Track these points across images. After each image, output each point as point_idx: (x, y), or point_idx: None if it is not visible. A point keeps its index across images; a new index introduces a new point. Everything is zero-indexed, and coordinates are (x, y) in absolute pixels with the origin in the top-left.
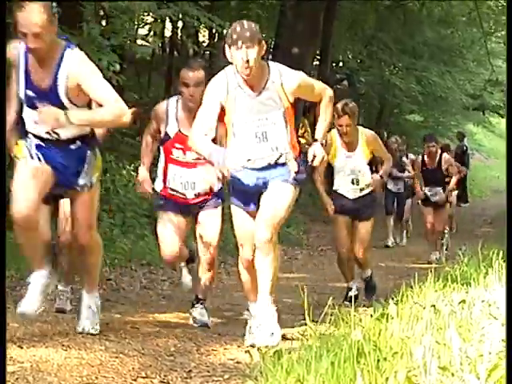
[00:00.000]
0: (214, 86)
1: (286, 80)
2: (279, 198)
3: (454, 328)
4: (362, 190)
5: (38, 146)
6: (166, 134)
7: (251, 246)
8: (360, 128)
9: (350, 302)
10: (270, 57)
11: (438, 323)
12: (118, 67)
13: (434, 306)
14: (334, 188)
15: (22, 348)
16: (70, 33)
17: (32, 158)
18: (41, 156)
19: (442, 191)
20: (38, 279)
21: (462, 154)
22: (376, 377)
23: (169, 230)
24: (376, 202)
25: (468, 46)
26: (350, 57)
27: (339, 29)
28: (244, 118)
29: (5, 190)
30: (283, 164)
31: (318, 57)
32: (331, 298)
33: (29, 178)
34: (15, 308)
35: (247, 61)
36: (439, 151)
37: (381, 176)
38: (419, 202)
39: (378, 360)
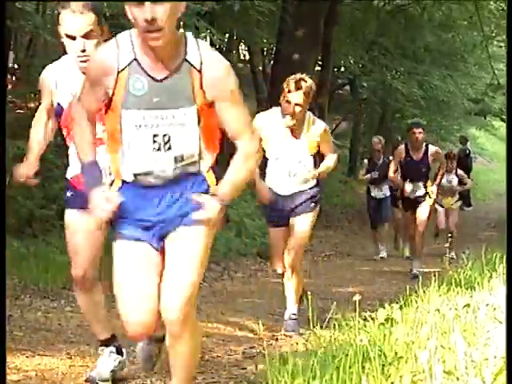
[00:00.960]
0: None
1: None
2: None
3: (458, 332)
4: (299, 185)
5: None
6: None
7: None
8: (310, 114)
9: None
10: (272, 63)
11: (442, 327)
12: None
13: (439, 310)
14: (265, 180)
15: (27, 357)
16: None
17: None
18: None
19: (423, 187)
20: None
21: (465, 158)
22: (381, 382)
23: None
24: (318, 197)
25: (469, 49)
26: (351, 62)
27: (340, 34)
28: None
29: (5, 191)
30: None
31: (320, 62)
32: (335, 304)
33: None
34: (20, 316)
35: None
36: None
37: (319, 173)
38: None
39: (383, 365)
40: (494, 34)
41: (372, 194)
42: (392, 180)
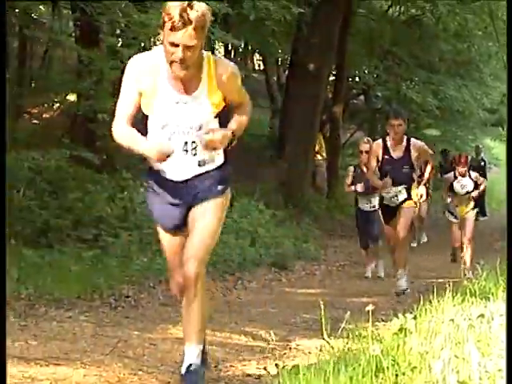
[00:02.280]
0: None
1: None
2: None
3: (472, 342)
4: (201, 164)
5: None
6: None
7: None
8: (209, 55)
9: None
10: (286, 73)
11: (456, 337)
12: None
13: (453, 320)
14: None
15: (41, 366)
16: (87, 48)
17: None
18: None
19: (406, 192)
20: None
21: (482, 168)
22: None
23: None
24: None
25: (484, 59)
26: (365, 72)
27: (355, 44)
28: None
29: (5, 191)
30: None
31: (334, 72)
32: (349, 313)
33: None
34: (35, 325)
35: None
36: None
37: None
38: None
39: (397, 375)
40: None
41: (360, 206)
42: (371, 180)
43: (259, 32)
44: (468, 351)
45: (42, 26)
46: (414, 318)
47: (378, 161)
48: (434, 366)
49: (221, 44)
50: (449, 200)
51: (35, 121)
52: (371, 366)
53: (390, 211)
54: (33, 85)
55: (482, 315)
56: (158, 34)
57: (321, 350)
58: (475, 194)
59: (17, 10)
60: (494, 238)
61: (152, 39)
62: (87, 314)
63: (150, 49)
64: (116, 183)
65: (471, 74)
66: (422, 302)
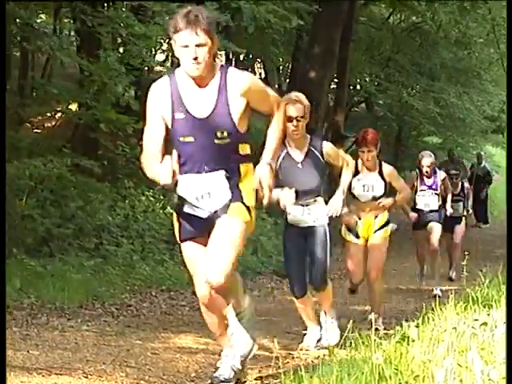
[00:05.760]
0: None
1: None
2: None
3: (475, 350)
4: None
5: None
6: None
7: None
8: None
9: None
10: (288, 81)
11: (459, 346)
12: (132, 93)
13: (456, 328)
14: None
15: (43, 376)
16: (87, 60)
17: None
18: None
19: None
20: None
21: (488, 175)
22: None
23: None
24: None
25: (485, 67)
26: (367, 79)
27: (356, 52)
28: None
29: (5, 192)
30: None
31: (336, 80)
32: (351, 322)
33: None
34: (37, 335)
35: None
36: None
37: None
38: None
39: (400, 383)
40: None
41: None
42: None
43: (260, 41)
44: (471, 359)
45: (43, 36)
46: (417, 326)
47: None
48: (436, 374)
49: (222, 52)
50: (345, 210)
51: (37, 130)
52: (374, 374)
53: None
54: (34, 94)
55: (485, 323)
56: (160, 45)
57: (324, 359)
58: (387, 202)
59: (18, 20)
60: (496, 246)
61: (153, 51)
62: (89, 323)
63: (151, 60)
64: (117, 192)
65: (472, 82)
66: (424, 310)
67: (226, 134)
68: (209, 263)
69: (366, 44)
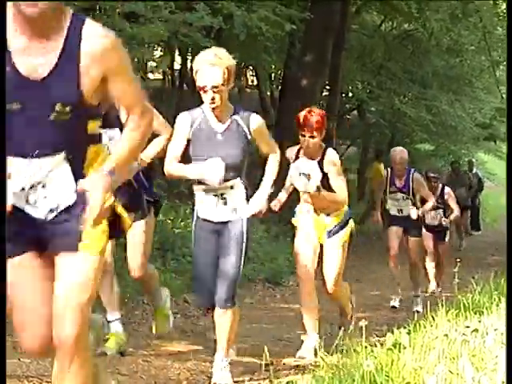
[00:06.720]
0: None
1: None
2: None
3: (466, 357)
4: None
5: None
6: None
7: None
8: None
9: None
10: (280, 88)
11: (450, 352)
12: None
13: (447, 335)
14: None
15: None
16: None
17: None
18: None
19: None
20: None
21: (479, 182)
22: None
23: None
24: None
25: (477, 74)
26: (359, 87)
27: (348, 59)
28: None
29: (5, 192)
30: None
31: (328, 87)
32: (343, 329)
33: None
34: None
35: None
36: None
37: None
38: None
39: None
40: (501, 59)
41: None
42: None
43: (252, 47)
44: (462, 366)
45: None
46: (408, 333)
47: None
48: (428, 381)
49: None
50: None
51: None
52: (365, 381)
53: None
54: None
55: (476, 330)
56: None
57: (315, 366)
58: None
59: None
60: (488, 253)
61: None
62: None
63: (141, 63)
64: None
65: (464, 89)
66: (415, 317)
67: (68, 108)
68: None
69: (358, 52)
